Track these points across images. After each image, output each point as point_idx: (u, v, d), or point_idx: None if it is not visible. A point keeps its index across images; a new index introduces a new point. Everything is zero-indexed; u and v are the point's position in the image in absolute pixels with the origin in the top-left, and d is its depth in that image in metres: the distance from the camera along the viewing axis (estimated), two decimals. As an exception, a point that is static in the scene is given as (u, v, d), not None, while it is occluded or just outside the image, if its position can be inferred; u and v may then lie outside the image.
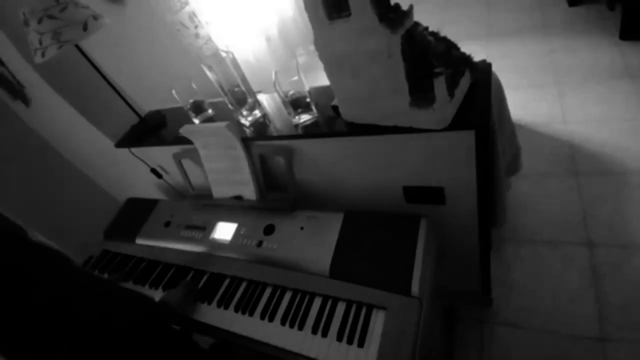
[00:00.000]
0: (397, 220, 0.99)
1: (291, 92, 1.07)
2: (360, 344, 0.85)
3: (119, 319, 0.78)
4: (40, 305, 0.67)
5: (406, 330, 0.82)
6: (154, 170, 1.47)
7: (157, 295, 1.15)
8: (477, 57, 0.95)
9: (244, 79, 1.16)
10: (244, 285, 1.07)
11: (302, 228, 1.09)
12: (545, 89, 2.22)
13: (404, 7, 0.79)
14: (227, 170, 1.22)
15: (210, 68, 1.13)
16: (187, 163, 1.32)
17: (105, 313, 0.76)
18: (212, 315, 1.04)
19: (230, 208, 1.25)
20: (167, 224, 1.31)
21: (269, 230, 1.13)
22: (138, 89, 1.52)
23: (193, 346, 1.00)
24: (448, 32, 0.91)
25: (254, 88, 1.20)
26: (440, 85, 0.78)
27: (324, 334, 0.89)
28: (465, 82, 0.89)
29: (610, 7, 2.51)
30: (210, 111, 1.36)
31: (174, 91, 1.28)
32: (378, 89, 0.86)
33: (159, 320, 0.91)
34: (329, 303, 0.94)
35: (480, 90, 0.92)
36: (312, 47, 0.88)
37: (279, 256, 1.06)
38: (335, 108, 1.04)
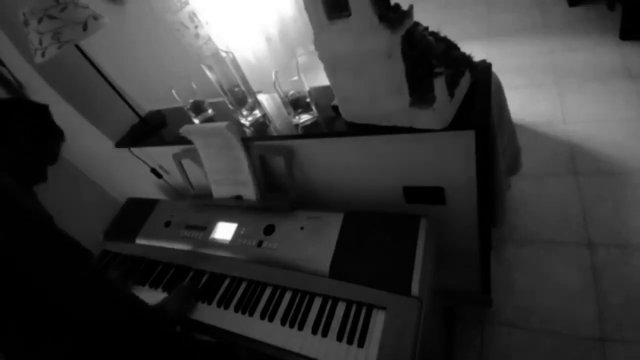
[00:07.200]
0: (397, 220, 0.99)
1: (291, 92, 1.07)
2: (360, 344, 0.85)
3: (116, 318, 0.78)
4: (41, 291, 0.68)
5: (406, 330, 0.82)
6: (154, 170, 1.47)
7: (157, 295, 1.15)
8: (477, 57, 0.95)
9: (244, 79, 1.16)
10: (244, 285, 1.07)
11: (302, 228, 1.08)
12: (545, 89, 2.22)
13: (404, 7, 0.79)
14: (227, 170, 1.22)
15: (210, 68, 1.13)
16: (187, 163, 1.32)
17: (104, 313, 0.76)
18: (212, 315, 1.04)
19: (230, 208, 1.25)
20: (167, 224, 1.31)
21: (269, 230, 1.13)
22: (138, 89, 1.52)
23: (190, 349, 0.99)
24: (448, 32, 0.91)
25: (254, 88, 1.20)
26: (440, 85, 0.78)
27: (324, 334, 0.89)
28: (465, 82, 0.89)
29: (610, 7, 2.51)
30: (210, 111, 1.36)
31: (174, 91, 1.28)
32: (378, 89, 0.86)
33: (155, 326, 0.90)
34: (329, 303, 0.94)
35: (480, 90, 0.92)
36: (312, 47, 0.87)
37: (279, 256, 1.06)
38: (335, 108, 1.04)
